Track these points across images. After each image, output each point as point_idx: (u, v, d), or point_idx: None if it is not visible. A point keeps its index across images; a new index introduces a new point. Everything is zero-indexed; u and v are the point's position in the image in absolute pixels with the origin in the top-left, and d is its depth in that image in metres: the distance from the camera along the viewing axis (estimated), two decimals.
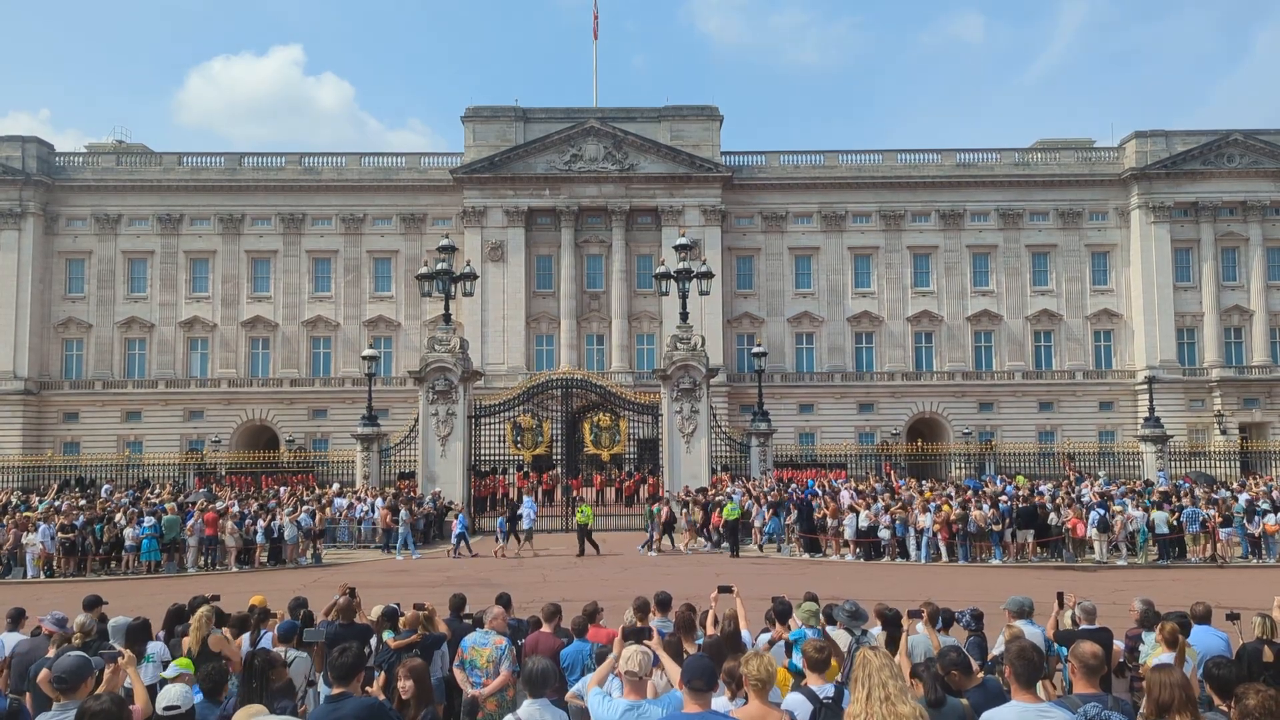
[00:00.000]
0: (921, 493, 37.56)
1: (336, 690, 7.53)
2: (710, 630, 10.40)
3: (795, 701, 7.51)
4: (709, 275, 42.02)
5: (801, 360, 74.23)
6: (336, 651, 7.89)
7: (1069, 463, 55.66)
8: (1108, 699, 7.00)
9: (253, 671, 7.94)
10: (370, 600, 15.32)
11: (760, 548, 34.36)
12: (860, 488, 40.25)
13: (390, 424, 61.15)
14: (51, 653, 10.33)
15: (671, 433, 39.74)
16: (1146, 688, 6.43)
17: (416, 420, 41.26)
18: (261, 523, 32.18)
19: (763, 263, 74.33)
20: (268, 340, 73.67)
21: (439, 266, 40.61)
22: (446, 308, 41.65)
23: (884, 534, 32.09)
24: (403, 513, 34.56)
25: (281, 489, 43.96)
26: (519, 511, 34.43)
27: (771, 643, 10.76)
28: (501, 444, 41.89)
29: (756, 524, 34.90)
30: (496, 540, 33.61)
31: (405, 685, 8.59)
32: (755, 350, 49.87)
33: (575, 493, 44.62)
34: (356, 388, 70.96)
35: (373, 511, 36.49)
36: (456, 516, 34.09)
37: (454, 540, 33.32)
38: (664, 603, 11.89)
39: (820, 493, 36.63)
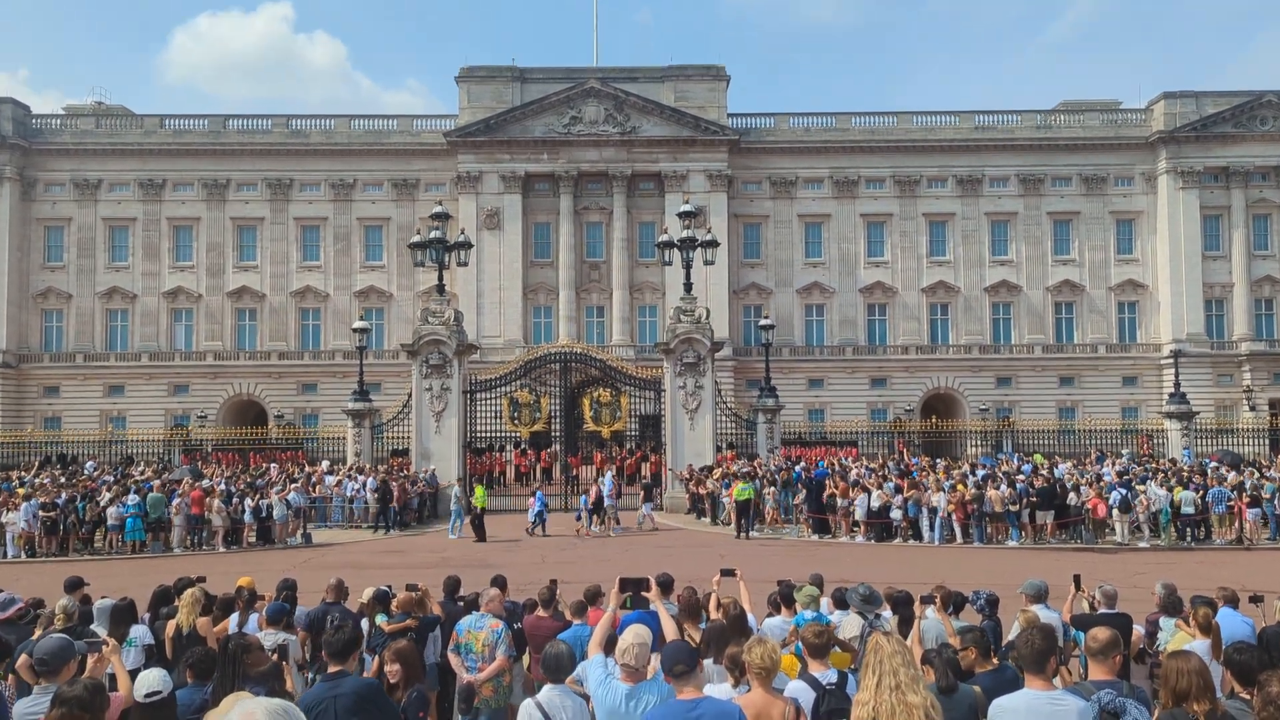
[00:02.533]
0: (935, 471, 37.65)
1: (334, 668, 7.56)
2: (714, 614, 10.46)
3: (798, 689, 7.56)
4: (714, 244, 41.93)
5: (811, 333, 74.22)
6: (332, 629, 7.96)
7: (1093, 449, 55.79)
8: (1123, 686, 7.05)
9: (227, 656, 7.98)
10: (362, 582, 15.41)
11: (766, 527, 34.50)
12: (872, 466, 40.33)
13: (382, 399, 61.30)
14: (37, 634, 10.41)
15: (675, 409, 39.81)
16: (1163, 675, 6.47)
17: (410, 395, 41.34)
18: (249, 501, 32.34)
19: (771, 231, 74.20)
20: (254, 311, 73.76)
21: (432, 235, 40.53)
22: (440, 278, 41.62)
23: (896, 514, 32.20)
24: (380, 487, 34.80)
25: (270, 466, 44.12)
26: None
27: (784, 642, 10.84)
28: (498, 420, 41.97)
29: (769, 506, 35.04)
30: (579, 519, 34.31)
31: (392, 669, 8.64)
32: (763, 322, 49.84)
33: (574, 470, 44.73)
34: (347, 361, 71.01)
35: (364, 490, 36.63)
36: (535, 495, 34.34)
37: (532, 519, 33.56)
38: (666, 585, 11.94)
39: (831, 472, 36.73)
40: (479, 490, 33.71)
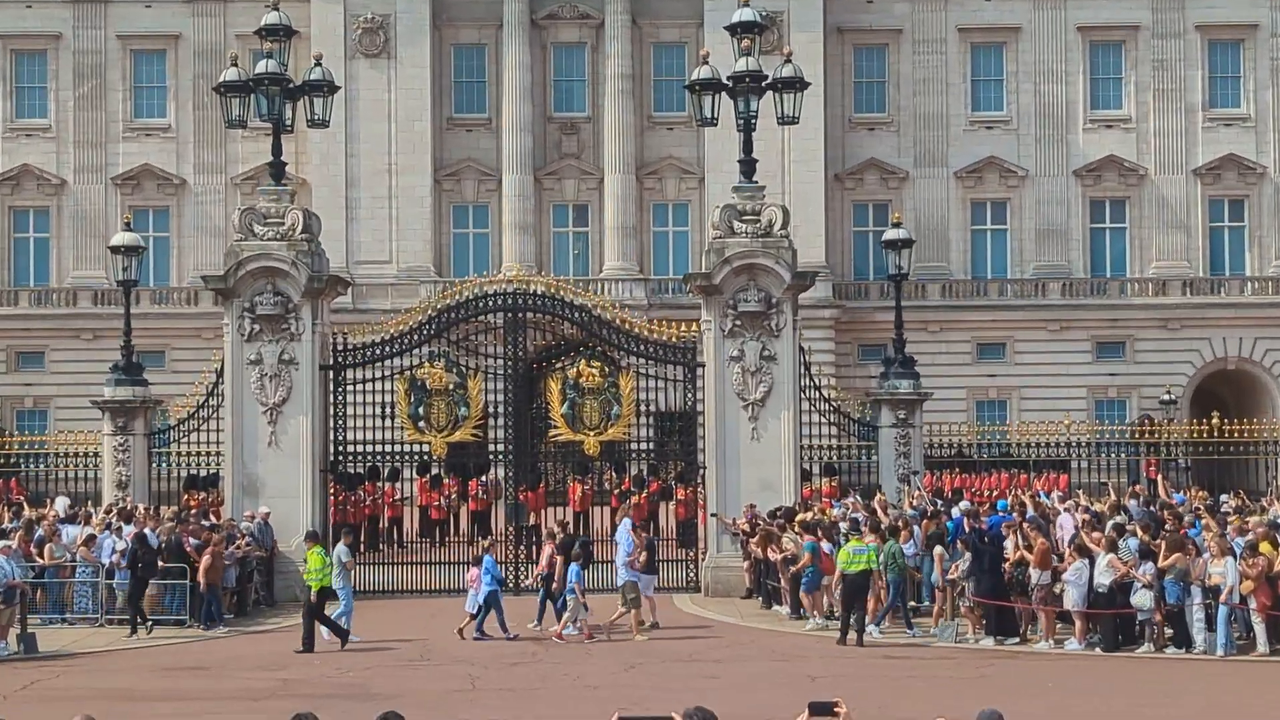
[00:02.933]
0: (1220, 518, 37.58)
1: None
2: None
3: None
4: (799, 84, 41.71)
5: (981, 255, 74.33)
6: None
7: None
8: None
9: None
10: None
11: (910, 625, 34.63)
12: (1097, 507, 40.31)
13: (168, 380, 61.44)
14: None
15: (723, 399, 39.72)
16: None
17: (218, 374, 41.36)
18: None
19: (907, 60, 74.30)
20: None
21: (261, 69, 40.34)
22: (277, 150, 41.49)
23: (1143, 598, 32.21)
24: (166, 546, 34.99)
25: None
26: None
27: None
28: (388, 420, 41.96)
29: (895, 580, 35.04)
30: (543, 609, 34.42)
31: None
32: (890, 235, 49.57)
33: (532, 515, 44.77)
34: (102, 309, 71.32)
35: (159, 552, 36.75)
36: (480, 562, 34.28)
37: (474, 606, 33.61)
38: None
39: (1015, 517, 36.70)
40: (314, 557, 33.44)
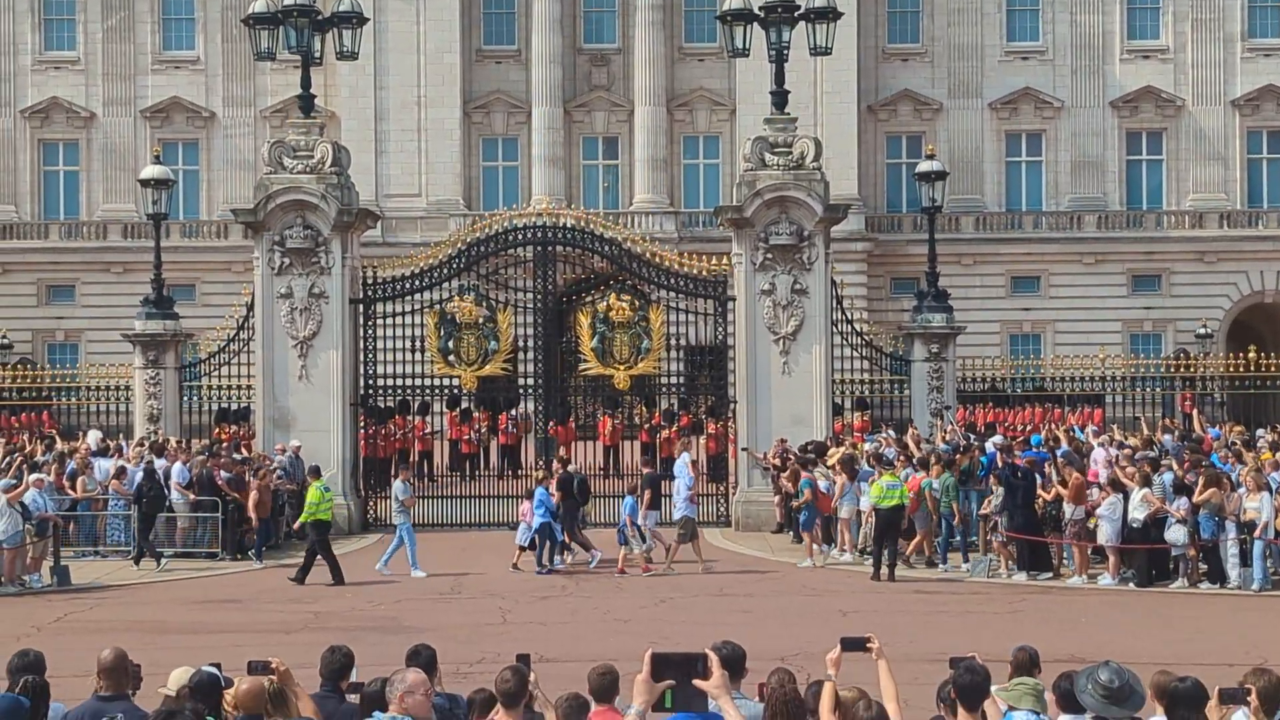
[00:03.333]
0: (1254, 452, 37.48)
1: None
2: (829, 719, 10.54)
3: None
4: (833, 13, 41.50)
5: (1015, 188, 74.07)
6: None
7: None
8: None
9: None
10: (166, 658, 15.58)
11: (936, 563, 34.66)
12: (1131, 442, 40.23)
13: (198, 312, 61.64)
14: None
15: (754, 333, 39.69)
16: None
17: (249, 308, 41.44)
18: None
19: None
20: None
21: (290, 1, 40.24)
22: (306, 83, 41.44)
23: (1178, 534, 32.17)
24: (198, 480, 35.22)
25: None
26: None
27: None
28: (418, 354, 42.03)
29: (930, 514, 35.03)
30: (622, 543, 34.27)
31: None
32: (923, 167, 49.35)
33: (562, 448, 44.87)
34: (132, 242, 71.47)
35: (165, 484, 36.92)
36: (532, 494, 34.35)
37: (526, 537, 33.84)
38: (736, 664, 12.01)
39: (1050, 454, 36.65)
40: (313, 491, 33.55)
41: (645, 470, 36.76)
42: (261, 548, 35.87)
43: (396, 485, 35.14)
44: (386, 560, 33.56)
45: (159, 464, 37.53)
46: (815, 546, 34.80)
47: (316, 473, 34.74)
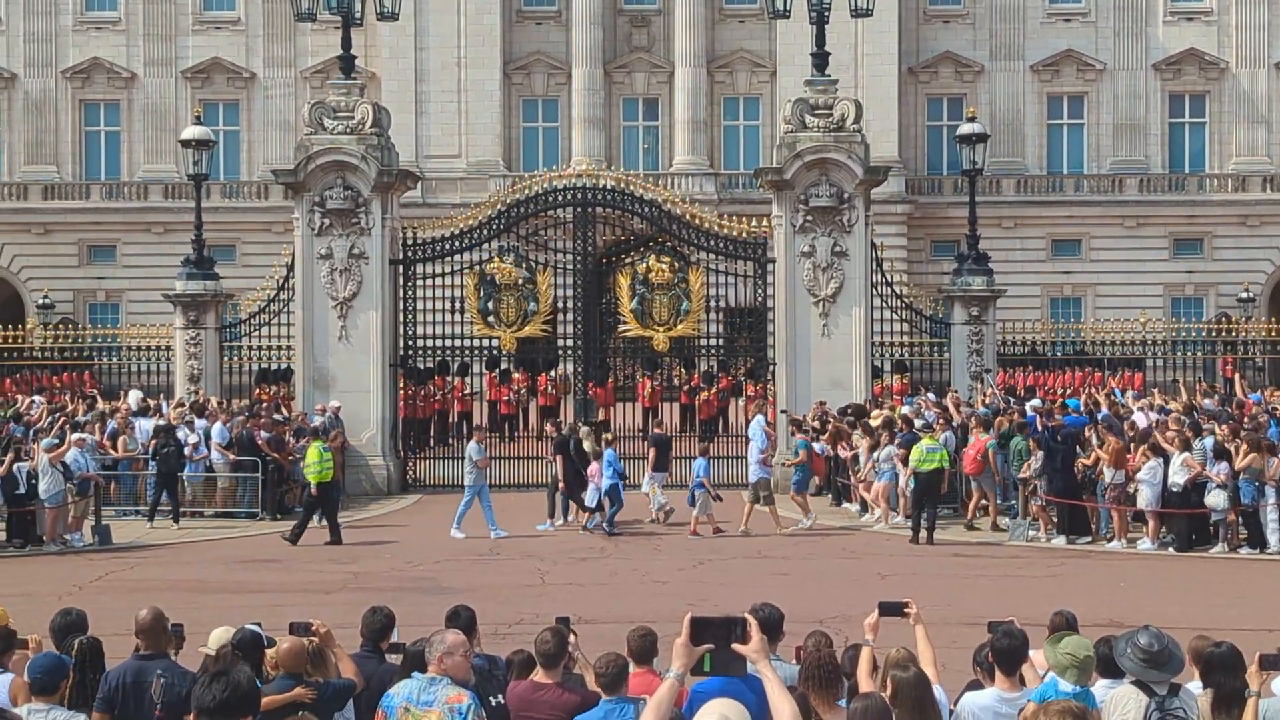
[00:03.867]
0: None
1: None
2: (866, 682, 10.56)
3: None
4: None
5: (1056, 151, 73.79)
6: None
7: None
8: None
9: None
10: (206, 618, 15.69)
11: (970, 523, 34.64)
12: (1171, 405, 40.11)
13: (238, 273, 61.80)
14: None
15: (793, 295, 39.66)
16: None
17: (288, 268, 41.57)
18: None
19: None
20: None
21: None
22: (346, 44, 41.48)
23: (1217, 498, 32.07)
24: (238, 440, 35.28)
25: (33, 399, 44.71)
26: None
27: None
28: (457, 315, 42.12)
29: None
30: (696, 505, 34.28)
31: None
32: (963, 130, 49.16)
33: (601, 410, 44.94)
34: (173, 202, 71.66)
35: (205, 444, 37.10)
36: (603, 454, 34.43)
37: (596, 498, 33.97)
38: (774, 627, 12.02)
39: (1089, 418, 36.57)
40: (313, 451, 33.57)
41: (655, 431, 36.91)
42: (268, 507, 36.37)
43: (471, 446, 35.08)
44: (459, 522, 33.60)
45: (199, 424, 37.79)
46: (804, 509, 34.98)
47: (317, 433, 34.85)
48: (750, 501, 34.09)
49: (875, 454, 35.51)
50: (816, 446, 35.71)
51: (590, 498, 34.17)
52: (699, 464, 34.35)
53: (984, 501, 35.04)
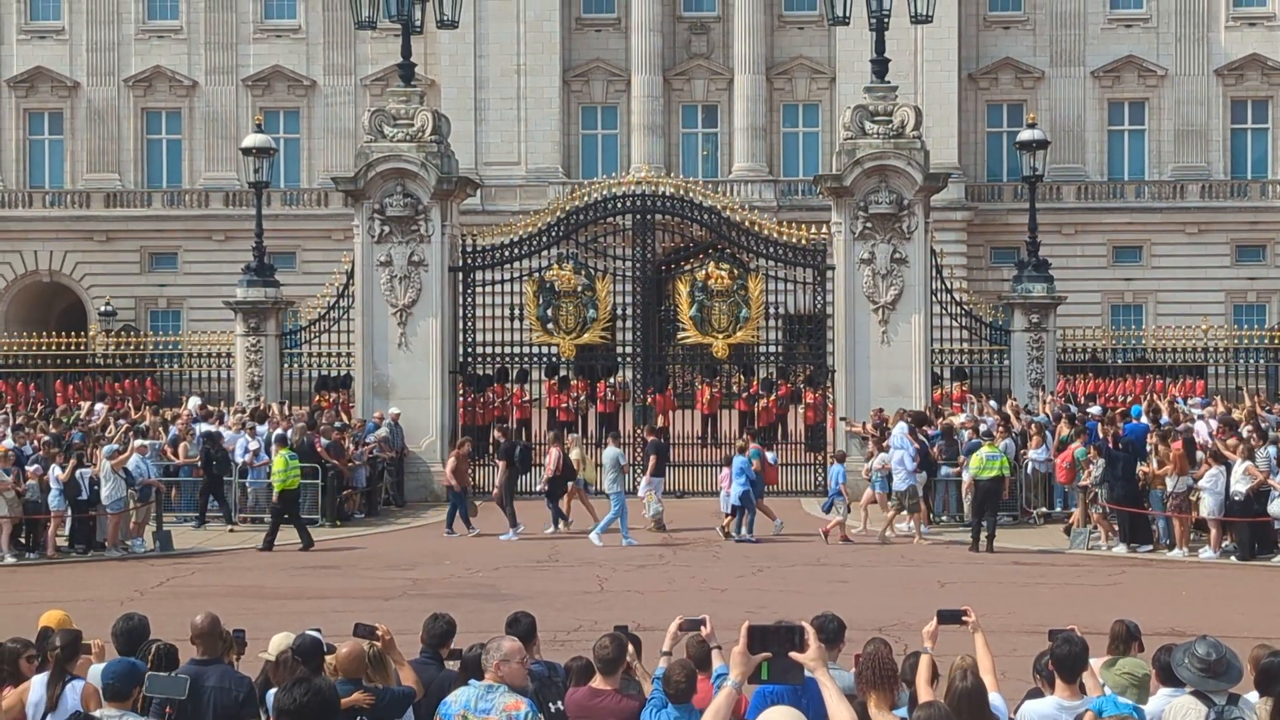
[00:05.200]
0: None
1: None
2: (925, 691, 10.55)
3: None
4: None
5: (1117, 157, 73.41)
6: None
7: None
8: None
9: None
10: (266, 623, 15.77)
11: (1033, 515, 34.52)
12: (1234, 413, 39.85)
13: (298, 280, 62.14)
14: None
15: (852, 302, 39.58)
16: None
17: (348, 276, 41.73)
18: (57, 471, 33.07)
19: None
20: (58, 115, 75.02)
21: None
22: (406, 52, 41.61)
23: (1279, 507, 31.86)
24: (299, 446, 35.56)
25: (95, 406, 45.02)
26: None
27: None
28: (516, 322, 42.20)
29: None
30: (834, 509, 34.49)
31: None
32: (1024, 136, 48.98)
33: (660, 417, 44.92)
34: (233, 210, 72.07)
35: (266, 451, 37.27)
36: (730, 461, 34.50)
37: (728, 504, 33.98)
38: (834, 635, 12.03)
39: (1153, 425, 36.37)
40: (279, 460, 33.69)
41: (650, 438, 36.81)
42: (327, 513, 36.47)
43: (609, 451, 35.12)
44: (601, 529, 33.56)
45: (261, 430, 37.99)
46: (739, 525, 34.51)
47: (283, 441, 35.06)
48: (895, 509, 34.04)
49: (869, 463, 35.73)
50: (769, 456, 36.08)
51: (724, 504, 34.33)
52: (838, 470, 34.47)
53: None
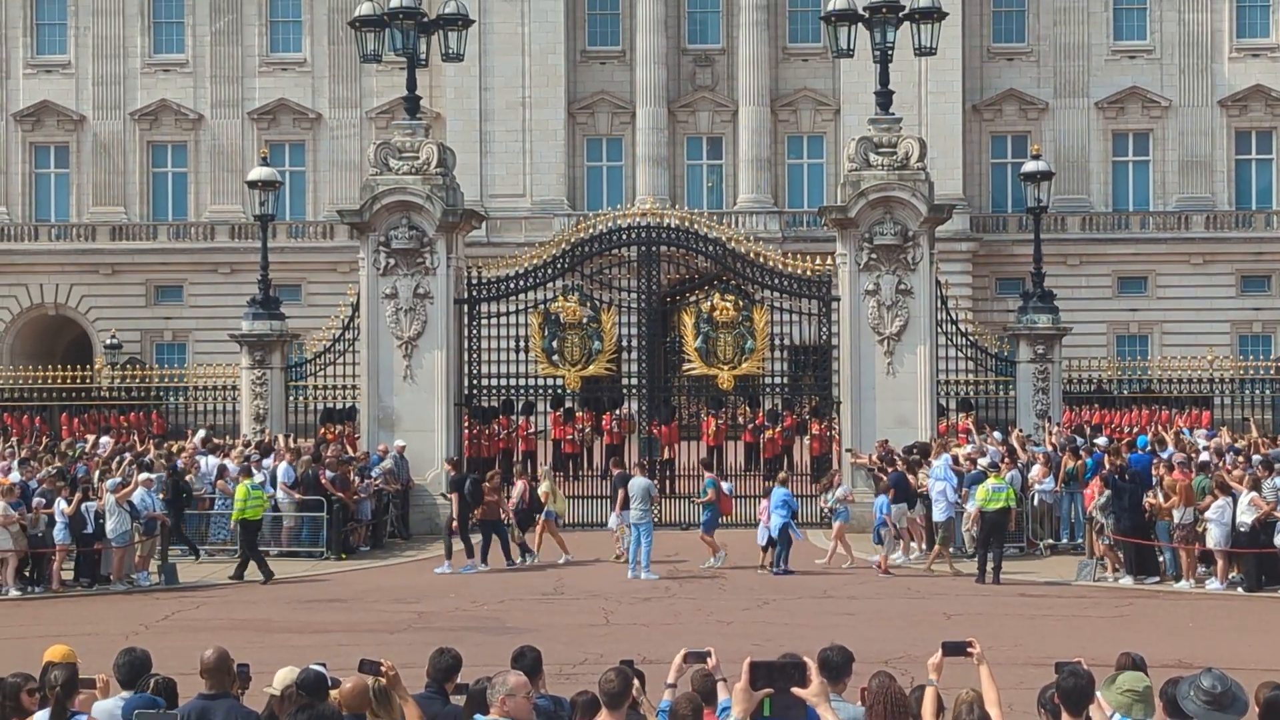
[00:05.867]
0: None
1: None
2: None
3: None
4: (938, 14, 41.27)
5: (1122, 188, 73.49)
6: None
7: None
8: None
9: None
10: (270, 658, 15.74)
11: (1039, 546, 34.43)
12: (1237, 443, 39.82)
13: (304, 312, 62.18)
14: None
15: (857, 333, 39.56)
16: None
17: (354, 308, 41.75)
18: (63, 505, 33.06)
19: None
20: (64, 148, 75.23)
21: (396, 3, 40.51)
22: (412, 84, 41.70)
23: None
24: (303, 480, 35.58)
25: (101, 439, 45.04)
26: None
27: None
28: (522, 354, 42.19)
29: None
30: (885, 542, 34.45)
31: None
32: (1028, 168, 49.02)
33: (665, 448, 44.90)
34: (239, 243, 72.14)
35: (271, 484, 37.24)
36: (769, 494, 34.45)
37: (766, 536, 33.88)
38: (839, 668, 12.02)
39: (1157, 456, 36.33)
40: (241, 489, 33.80)
41: (615, 471, 36.82)
42: (330, 546, 36.56)
43: (637, 481, 34.91)
44: (634, 562, 33.31)
45: (266, 463, 37.98)
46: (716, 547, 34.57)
47: (248, 472, 35.31)
48: (939, 543, 34.03)
49: (831, 493, 36.06)
50: (725, 486, 36.26)
51: (760, 536, 34.25)
52: (881, 502, 34.50)
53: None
